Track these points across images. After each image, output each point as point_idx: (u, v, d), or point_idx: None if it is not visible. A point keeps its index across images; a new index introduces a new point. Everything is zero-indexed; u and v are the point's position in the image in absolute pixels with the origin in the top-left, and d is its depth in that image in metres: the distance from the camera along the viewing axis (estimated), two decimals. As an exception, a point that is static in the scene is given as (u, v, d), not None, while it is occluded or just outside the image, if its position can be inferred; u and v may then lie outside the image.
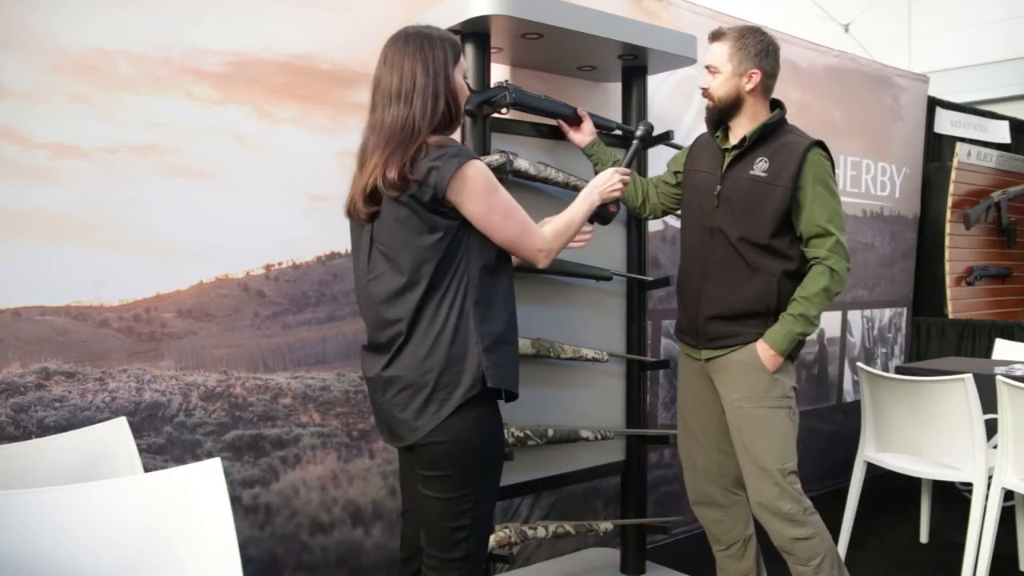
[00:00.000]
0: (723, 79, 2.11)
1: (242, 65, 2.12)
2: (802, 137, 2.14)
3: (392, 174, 1.54)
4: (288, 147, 2.20)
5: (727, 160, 2.16)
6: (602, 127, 2.41)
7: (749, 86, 2.11)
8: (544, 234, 1.71)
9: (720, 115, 2.16)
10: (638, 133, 2.14)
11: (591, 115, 2.35)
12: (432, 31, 1.65)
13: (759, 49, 2.10)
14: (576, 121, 2.32)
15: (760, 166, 2.10)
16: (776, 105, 2.19)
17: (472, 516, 1.61)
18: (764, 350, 2.10)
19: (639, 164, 2.49)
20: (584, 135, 2.32)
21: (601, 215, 1.97)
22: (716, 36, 2.15)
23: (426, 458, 1.61)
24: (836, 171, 2.15)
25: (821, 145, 2.12)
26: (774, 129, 2.14)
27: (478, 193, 1.57)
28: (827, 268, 2.07)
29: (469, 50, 2.12)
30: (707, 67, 2.15)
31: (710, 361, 2.20)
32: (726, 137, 2.20)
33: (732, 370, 2.15)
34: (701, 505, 2.33)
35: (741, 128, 2.15)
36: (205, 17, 2.06)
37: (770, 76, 2.13)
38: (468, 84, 1.83)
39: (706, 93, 2.16)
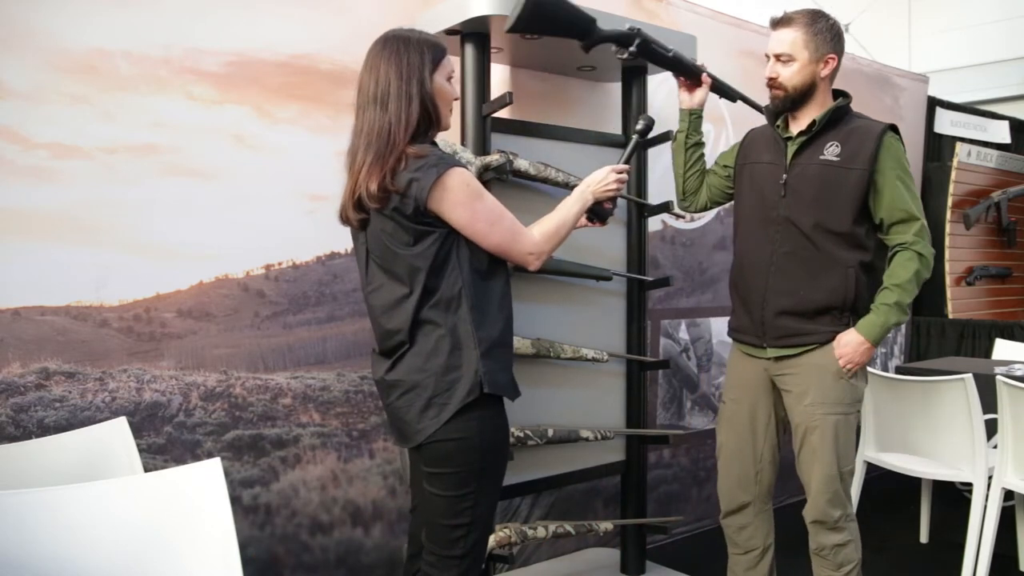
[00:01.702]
0: (798, 67, 2.01)
1: (242, 65, 2.12)
2: (873, 121, 2.06)
3: (373, 186, 1.54)
4: (288, 147, 2.20)
5: (793, 148, 2.07)
6: (723, 92, 2.31)
7: (824, 72, 2.02)
8: (534, 237, 1.69)
9: (792, 104, 2.06)
10: (638, 127, 2.07)
11: (715, 78, 2.24)
12: (411, 34, 1.64)
13: (833, 33, 2.03)
14: (697, 83, 2.22)
15: (831, 150, 2.02)
16: (839, 94, 2.11)
17: (472, 514, 1.62)
18: (858, 341, 1.99)
19: (638, 159, 2.48)
20: (693, 100, 2.23)
21: (597, 213, 1.89)
22: (784, 22, 2.03)
23: (431, 455, 1.62)
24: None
25: (894, 129, 2.05)
26: (843, 115, 2.06)
27: (460, 203, 1.56)
28: (915, 253, 1.99)
29: (469, 50, 2.12)
30: (776, 55, 2.04)
31: (779, 361, 2.10)
32: (786, 127, 2.12)
33: (806, 373, 2.06)
34: (731, 515, 2.24)
35: (807, 116, 2.06)
36: (205, 17, 2.06)
37: (840, 62, 2.06)
38: (589, 14, 1.77)
39: (775, 83, 2.05)
